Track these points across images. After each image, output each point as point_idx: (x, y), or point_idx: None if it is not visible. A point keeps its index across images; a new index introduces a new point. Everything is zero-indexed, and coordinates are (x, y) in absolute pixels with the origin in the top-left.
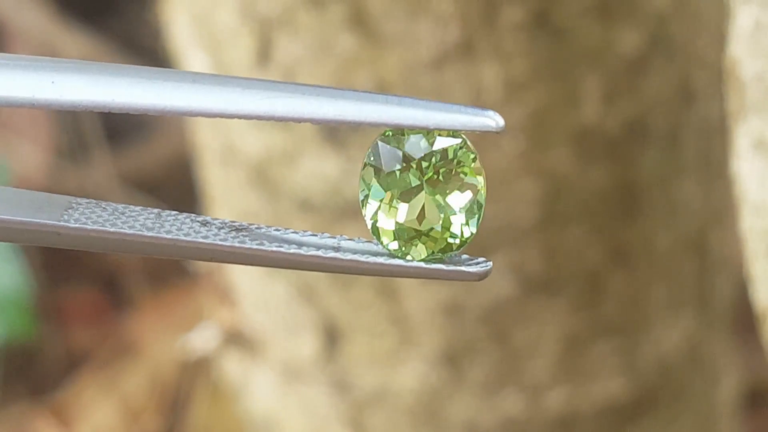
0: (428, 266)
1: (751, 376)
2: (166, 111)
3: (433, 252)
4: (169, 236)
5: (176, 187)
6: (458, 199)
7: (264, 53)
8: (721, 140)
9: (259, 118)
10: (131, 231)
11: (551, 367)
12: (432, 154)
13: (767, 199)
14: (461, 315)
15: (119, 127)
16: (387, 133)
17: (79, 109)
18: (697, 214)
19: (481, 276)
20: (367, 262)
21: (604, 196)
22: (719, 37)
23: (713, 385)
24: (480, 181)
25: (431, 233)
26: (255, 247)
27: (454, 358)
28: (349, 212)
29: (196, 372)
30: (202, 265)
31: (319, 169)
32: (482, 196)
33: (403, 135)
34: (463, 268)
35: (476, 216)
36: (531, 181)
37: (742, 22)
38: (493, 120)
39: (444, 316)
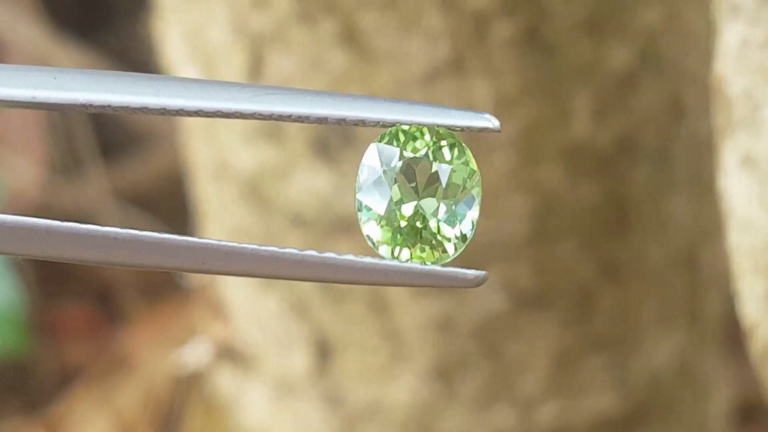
0: (424, 268)
1: (742, 391)
2: (167, 109)
3: (424, 262)
4: (159, 235)
5: (170, 202)
6: (452, 209)
7: (256, 69)
8: (712, 156)
9: (258, 115)
10: (122, 230)
11: (543, 382)
12: (428, 163)
13: (754, 215)
14: (453, 330)
15: (113, 142)
16: (383, 140)
17: (78, 107)
18: (688, 229)
19: (478, 281)
20: (363, 262)
21: (595, 211)
22: (709, 54)
23: (704, 399)
24: (476, 192)
25: (424, 241)
26: (247, 246)
27: (445, 373)
28: (341, 228)
29: (189, 387)
30: (196, 280)
31: (312, 185)
32: (477, 207)
33: (399, 143)
34: (459, 269)
35: (470, 227)
36: (521, 197)
37: (729, 39)
38: (489, 121)
39: (436, 331)
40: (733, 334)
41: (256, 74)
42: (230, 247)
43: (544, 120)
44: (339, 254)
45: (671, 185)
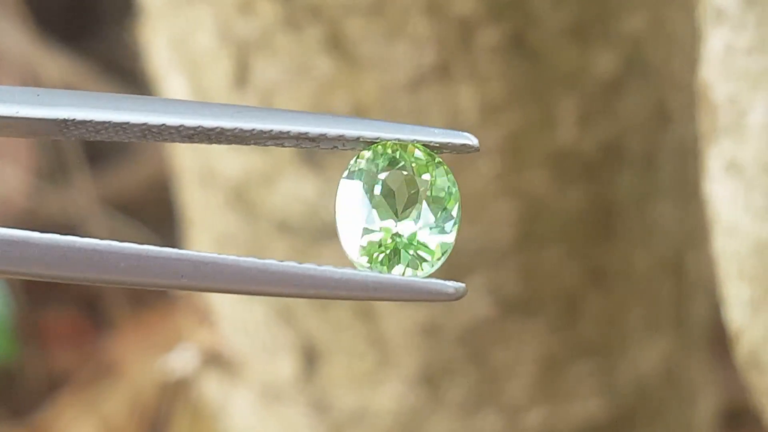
0: (403, 279)
1: (728, 396)
2: (149, 125)
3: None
4: (140, 246)
5: (156, 209)
6: (430, 220)
7: (242, 76)
8: (697, 162)
9: (238, 131)
10: (102, 241)
11: (529, 388)
12: (407, 179)
13: (738, 220)
14: (439, 336)
15: (100, 149)
16: (362, 158)
17: (60, 123)
18: (674, 235)
19: (458, 294)
20: (343, 272)
21: (581, 217)
22: (694, 60)
23: (690, 405)
24: (455, 208)
25: (403, 260)
26: (227, 257)
27: (432, 379)
28: (327, 234)
29: (175, 393)
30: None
31: (298, 191)
32: (456, 217)
33: (378, 160)
34: (439, 281)
35: (448, 246)
36: (508, 203)
37: (713, 45)
38: (468, 140)
39: (422, 337)
40: (719, 340)
41: (242, 81)
42: (210, 257)
43: (529, 126)
44: (319, 266)
45: (657, 191)
